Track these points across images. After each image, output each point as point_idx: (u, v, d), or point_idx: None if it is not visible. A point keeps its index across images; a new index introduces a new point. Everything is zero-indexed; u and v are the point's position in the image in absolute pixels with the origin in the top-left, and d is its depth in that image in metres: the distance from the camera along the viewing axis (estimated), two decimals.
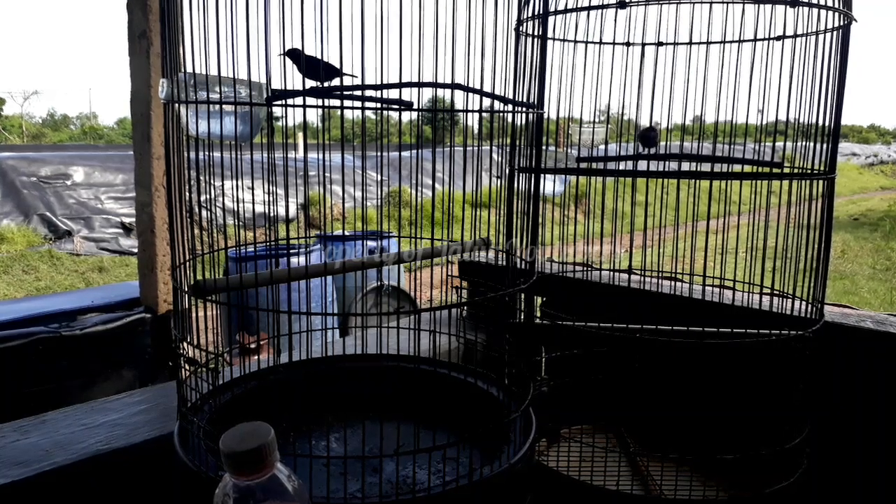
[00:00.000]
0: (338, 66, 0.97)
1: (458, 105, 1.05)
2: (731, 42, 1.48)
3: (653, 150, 1.56)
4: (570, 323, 1.49)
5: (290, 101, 0.96)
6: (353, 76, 1.00)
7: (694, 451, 1.45)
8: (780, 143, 1.41)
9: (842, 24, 1.34)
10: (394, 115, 1.51)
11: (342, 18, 0.91)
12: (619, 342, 1.38)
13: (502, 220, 1.26)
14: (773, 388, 1.43)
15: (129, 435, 1.23)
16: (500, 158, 1.26)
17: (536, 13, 1.32)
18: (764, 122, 1.44)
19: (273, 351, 1.33)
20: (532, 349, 1.74)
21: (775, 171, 1.40)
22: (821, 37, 1.34)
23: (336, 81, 1.03)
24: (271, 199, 1.14)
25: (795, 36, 1.35)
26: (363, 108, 1.01)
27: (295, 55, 0.99)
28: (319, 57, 0.97)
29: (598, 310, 1.51)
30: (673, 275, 1.80)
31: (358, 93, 1.00)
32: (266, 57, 0.92)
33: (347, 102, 0.99)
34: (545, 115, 1.30)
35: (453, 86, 1.01)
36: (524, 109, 1.18)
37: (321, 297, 3.64)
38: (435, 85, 1.01)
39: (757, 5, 1.33)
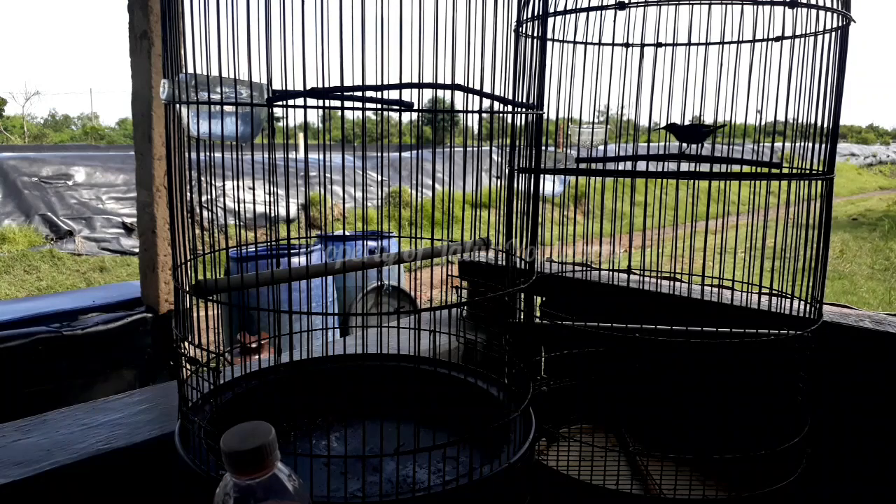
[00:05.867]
0: (338, 67, 0.98)
1: (458, 106, 1.05)
2: (729, 43, 1.48)
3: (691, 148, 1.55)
4: (570, 323, 1.49)
5: (290, 102, 0.96)
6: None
7: (693, 451, 1.45)
8: (778, 144, 1.41)
9: (840, 24, 1.35)
10: (394, 115, 1.52)
11: (342, 18, 0.92)
12: (619, 342, 1.39)
13: (502, 220, 1.26)
14: (771, 388, 1.43)
15: (130, 434, 1.23)
16: (499, 159, 1.27)
17: (536, 14, 1.32)
18: (763, 123, 1.44)
19: (274, 350, 1.34)
20: (532, 349, 1.75)
21: (774, 171, 1.40)
22: (819, 37, 1.34)
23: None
24: (272, 199, 1.14)
25: (794, 37, 1.35)
26: (364, 109, 1.01)
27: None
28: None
29: (598, 310, 1.52)
30: (672, 275, 1.81)
31: (358, 94, 1.00)
32: (267, 57, 0.93)
33: (348, 103, 0.99)
34: (545, 116, 1.31)
35: (453, 86, 1.02)
36: (524, 110, 1.19)
37: (322, 297, 3.65)
38: (435, 86, 1.02)
39: (755, 6, 1.33)
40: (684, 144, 1.54)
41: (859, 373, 1.51)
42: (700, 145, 1.54)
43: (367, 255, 1.56)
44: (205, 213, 1.09)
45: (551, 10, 1.48)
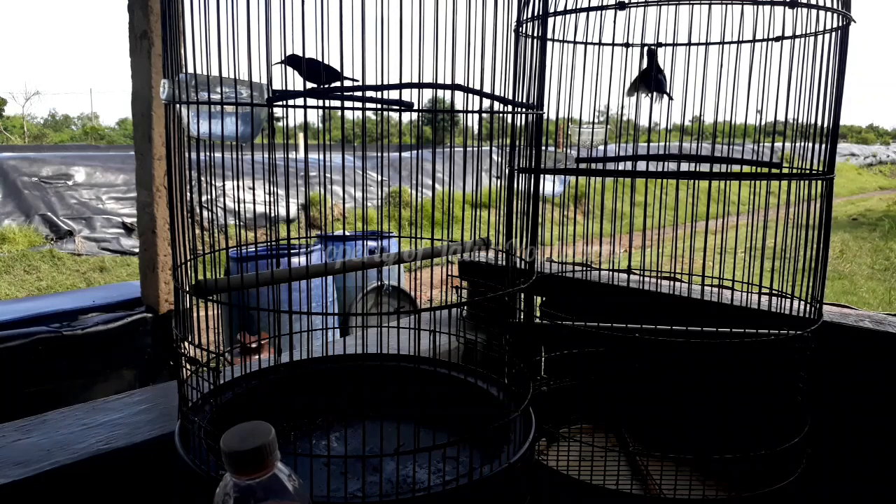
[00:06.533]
0: (338, 67, 0.98)
1: (458, 105, 1.05)
2: (729, 43, 1.48)
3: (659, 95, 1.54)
4: (570, 323, 1.49)
5: (290, 102, 0.96)
6: (353, 80, 1.01)
7: (693, 451, 1.45)
8: (778, 144, 1.41)
9: (840, 24, 1.34)
10: (394, 115, 1.52)
11: (342, 19, 0.92)
12: (619, 342, 1.39)
13: (502, 220, 1.26)
14: (771, 388, 1.43)
15: (130, 435, 1.23)
16: (499, 159, 1.27)
17: (536, 14, 1.32)
18: (763, 123, 1.44)
19: (274, 350, 1.34)
20: (532, 349, 1.75)
21: (774, 171, 1.40)
22: (819, 37, 1.34)
23: (336, 84, 1.03)
24: (272, 199, 1.14)
25: (794, 37, 1.35)
26: (364, 109, 1.01)
27: (295, 61, 0.99)
28: (319, 59, 0.97)
29: (598, 310, 1.52)
30: (672, 275, 1.81)
31: (358, 93, 1.00)
32: (267, 57, 0.93)
33: (348, 103, 0.99)
34: (545, 116, 1.31)
35: (453, 86, 1.02)
36: (524, 110, 1.19)
37: (322, 297, 3.65)
38: (435, 86, 1.02)
39: (755, 6, 1.33)
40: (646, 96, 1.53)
41: (859, 373, 1.51)
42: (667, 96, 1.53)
43: (367, 255, 1.56)
44: (205, 213, 1.09)
45: (551, 10, 1.48)
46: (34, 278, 7.10)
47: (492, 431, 1.09)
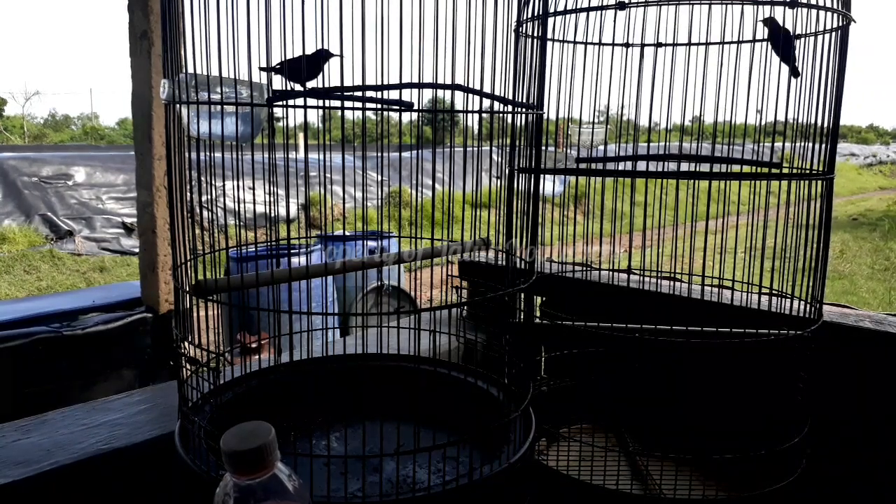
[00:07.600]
0: (338, 67, 0.98)
1: (459, 106, 1.05)
2: (729, 43, 1.48)
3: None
4: (570, 323, 1.49)
5: (290, 102, 0.96)
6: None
7: (693, 451, 1.45)
8: (778, 144, 1.41)
9: (840, 24, 1.35)
10: (394, 115, 1.52)
11: (342, 19, 0.92)
12: (619, 342, 1.39)
13: (502, 220, 1.26)
14: (771, 388, 1.43)
15: (130, 435, 1.23)
16: (499, 159, 1.27)
17: (536, 14, 1.32)
18: (763, 123, 1.44)
19: (274, 350, 1.34)
20: (532, 349, 1.75)
21: (774, 171, 1.40)
22: (820, 37, 1.34)
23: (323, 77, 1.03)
24: (272, 199, 1.14)
25: (794, 37, 1.35)
26: (364, 109, 1.01)
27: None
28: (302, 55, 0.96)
29: (598, 310, 1.51)
30: (672, 275, 1.81)
31: (358, 93, 1.00)
32: (267, 57, 0.93)
33: (348, 103, 0.99)
34: (545, 116, 1.31)
35: (453, 86, 1.02)
36: (524, 110, 1.19)
37: (322, 297, 3.64)
38: (435, 86, 1.02)
39: (755, 6, 1.33)
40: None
41: (859, 373, 1.51)
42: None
43: (367, 255, 1.56)
44: (205, 213, 1.09)
45: (551, 10, 1.48)
46: (34, 278, 7.10)
47: (492, 431, 1.09)
